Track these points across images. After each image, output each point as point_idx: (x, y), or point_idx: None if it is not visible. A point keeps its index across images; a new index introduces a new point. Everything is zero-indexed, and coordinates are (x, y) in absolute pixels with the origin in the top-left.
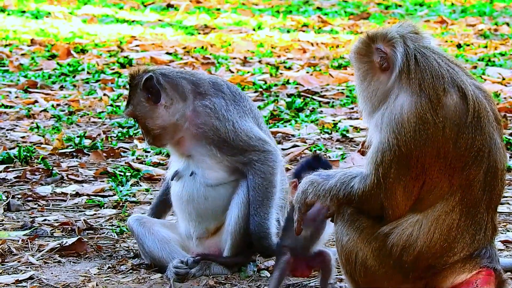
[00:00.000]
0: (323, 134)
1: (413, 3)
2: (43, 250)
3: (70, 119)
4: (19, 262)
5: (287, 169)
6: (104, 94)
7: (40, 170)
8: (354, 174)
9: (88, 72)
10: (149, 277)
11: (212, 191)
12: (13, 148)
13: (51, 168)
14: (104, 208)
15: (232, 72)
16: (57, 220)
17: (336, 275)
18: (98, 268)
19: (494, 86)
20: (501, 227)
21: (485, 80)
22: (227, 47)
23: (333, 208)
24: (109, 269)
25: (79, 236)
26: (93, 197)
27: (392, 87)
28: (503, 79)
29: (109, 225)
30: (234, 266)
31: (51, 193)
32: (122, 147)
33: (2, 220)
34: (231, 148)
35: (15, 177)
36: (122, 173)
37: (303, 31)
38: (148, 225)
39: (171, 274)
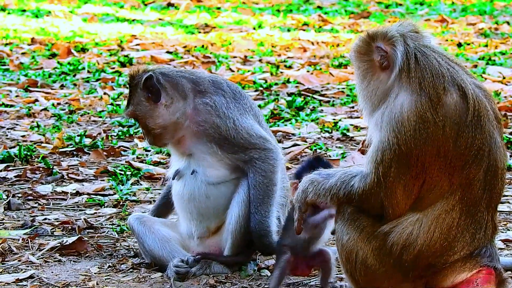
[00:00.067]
0: (324, 133)
1: (414, 2)
2: (43, 249)
3: (71, 118)
4: (19, 261)
5: (288, 168)
6: (105, 93)
7: (41, 169)
8: (354, 173)
9: (88, 71)
10: (150, 276)
11: (213, 189)
12: (14, 147)
13: (51, 167)
14: (104, 207)
15: (233, 71)
16: (58, 219)
17: (337, 274)
18: (98, 267)
19: (494, 85)
20: (501, 226)
21: (485, 79)
22: (227, 46)
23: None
24: (110, 268)
25: (79, 235)
26: (93, 196)
27: (392, 85)
28: (504, 78)
29: (109, 224)
30: (235, 265)
31: (51, 192)
32: (122, 146)
33: (3, 219)
34: (231, 145)
35: (15, 176)
36: (123, 172)
37: (304, 30)
38: (148, 224)
39: (171, 273)
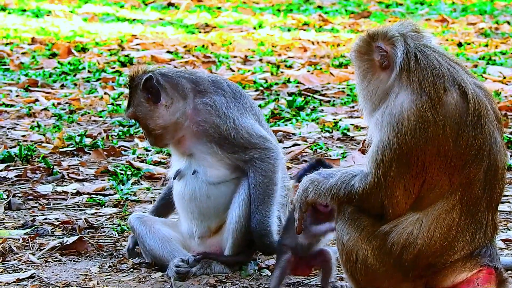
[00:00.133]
0: (324, 132)
1: (414, 1)
2: (43, 249)
3: (71, 118)
4: (19, 261)
5: (288, 167)
6: (105, 93)
7: (41, 168)
8: (355, 172)
9: (88, 71)
10: (150, 276)
11: (214, 189)
12: (14, 146)
13: (51, 167)
14: (105, 207)
15: (233, 70)
16: (58, 219)
17: (337, 274)
18: (99, 267)
19: (494, 84)
20: (501, 225)
21: (485, 78)
22: (227, 45)
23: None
24: (110, 268)
25: (79, 235)
26: (93, 195)
27: (393, 85)
28: (504, 77)
29: (110, 224)
30: (235, 265)
31: (51, 192)
32: (123, 145)
33: (3, 219)
34: (232, 145)
35: (16, 176)
36: (123, 172)
37: (304, 30)
38: (149, 223)
39: (172, 273)
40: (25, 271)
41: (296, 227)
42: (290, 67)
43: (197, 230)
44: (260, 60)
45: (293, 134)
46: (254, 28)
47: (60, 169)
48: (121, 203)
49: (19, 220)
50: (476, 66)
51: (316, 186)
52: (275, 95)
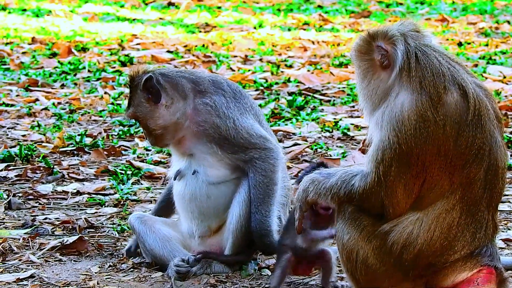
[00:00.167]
0: (324, 132)
1: (414, 1)
2: (44, 248)
3: (71, 118)
4: (20, 260)
5: (288, 167)
6: (105, 93)
7: (41, 168)
8: (355, 172)
9: (89, 71)
10: (150, 275)
11: (214, 189)
12: (14, 146)
13: (52, 166)
14: (105, 206)
15: (233, 70)
16: (58, 218)
17: (338, 274)
18: (99, 267)
19: (495, 84)
20: (501, 225)
21: (486, 78)
22: (228, 45)
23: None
24: (110, 268)
25: (80, 235)
26: (94, 195)
27: (393, 85)
28: (504, 77)
29: (110, 224)
30: (235, 265)
31: (52, 192)
32: (123, 145)
33: (3, 218)
34: (232, 145)
35: (16, 176)
36: (123, 172)
37: (304, 29)
38: (149, 223)
39: (172, 272)
40: (25, 271)
41: (296, 226)
42: (290, 66)
43: (197, 230)
44: (260, 59)
45: (293, 133)
46: (254, 28)
47: (60, 169)
48: (121, 202)
49: (19, 220)
50: (476, 65)
51: (317, 185)
52: (275, 95)
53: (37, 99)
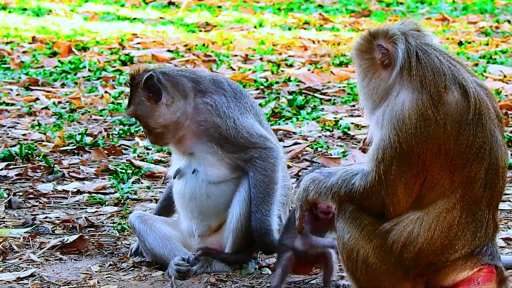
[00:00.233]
0: (325, 131)
1: (414, 0)
2: (44, 247)
3: (72, 117)
4: (20, 259)
5: (289, 166)
6: (106, 92)
7: (42, 167)
8: (355, 171)
9: (89, 70)
10: (151, 274)
11: (214, 189)
12: (15, 145)
13: (52, 165)
14: (105, 205)
15: (234, 69)
16: (58, 217)
17: (338, 273)
18: (99, 266)
19: (495, 83)
20: (502, 224)
21: (486, 77)
22: (228, 44)
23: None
24: (110, 267)
25: (80, 234)
26: (94, 194)
27: (393, 83)
28: (505, 76)
29: (110, 223)
30: (236, 264)
31: (52, 191)
32: (123, 144)
33: (4, 217)
34: (232, 145)
35: (16, 175)
36: (124, 171)
37: (305, 29)
38: (149, 222)
39: (172, 271)
40: (25, 270)
41: (297, 226)
42: (291, 66)
43: (197, 229)
44: (261, 59)
45: (294, 133)
46: (255, 27)
47: (60, 168)
48: (122, 201)
49: (19, 219)
50: (476, 65)
51: (317, 184)
52: (276, 94)
53: (37, 98)
